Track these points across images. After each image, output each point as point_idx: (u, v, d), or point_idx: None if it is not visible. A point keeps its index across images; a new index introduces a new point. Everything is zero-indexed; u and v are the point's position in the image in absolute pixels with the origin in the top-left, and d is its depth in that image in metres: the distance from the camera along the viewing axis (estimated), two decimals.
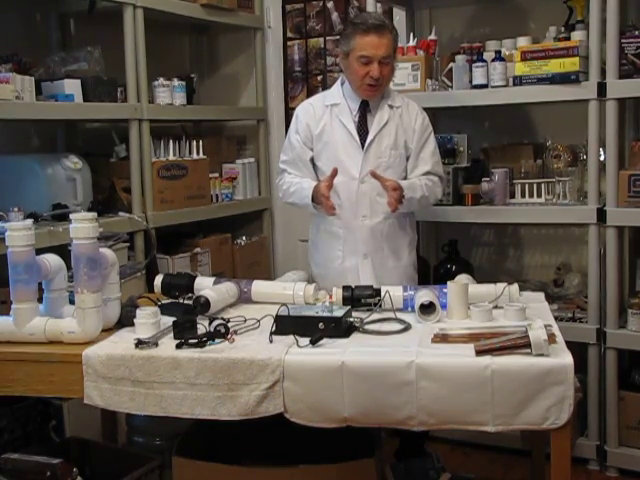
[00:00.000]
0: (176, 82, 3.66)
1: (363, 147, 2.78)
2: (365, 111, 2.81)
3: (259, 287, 2.52)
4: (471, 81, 3.26)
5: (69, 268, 2.23)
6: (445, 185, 3.04)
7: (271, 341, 2.07)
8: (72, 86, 3.13)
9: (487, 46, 3.38)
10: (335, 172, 2.65)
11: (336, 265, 2.84)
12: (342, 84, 2.87)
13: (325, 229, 2.87)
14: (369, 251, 2.80)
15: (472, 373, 1.86)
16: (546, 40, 3.29)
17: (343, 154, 2.79)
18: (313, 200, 2.73)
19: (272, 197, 4.40)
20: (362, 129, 2.80)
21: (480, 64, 3.23)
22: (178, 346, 2.04)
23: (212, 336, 2.07)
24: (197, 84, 4.03)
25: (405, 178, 2.83)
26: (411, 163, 2.83)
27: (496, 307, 2.27)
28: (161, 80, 3.60)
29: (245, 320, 2.23)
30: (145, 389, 2.01)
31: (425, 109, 2.93)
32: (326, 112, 2.83)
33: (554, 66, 3.04)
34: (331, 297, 2.37)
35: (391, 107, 2.81)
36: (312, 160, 2.85)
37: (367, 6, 3.46)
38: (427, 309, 2.21)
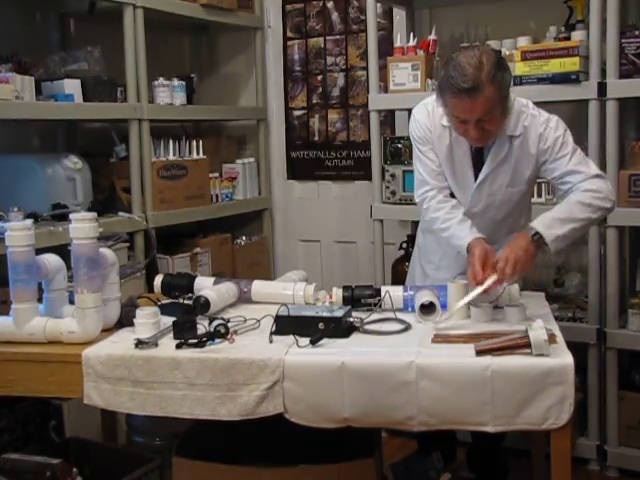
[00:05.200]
0: (176, 82, 3.67)
1: (475, 182, 2.48)
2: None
3: (259, 287, 2.52)
4: None
5: (69, 268, 2.23)
6: (608, 181, 2.47)
7: (271, 341, 2.07)
8: (72, 86, 3.13)
9: None
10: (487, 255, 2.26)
11: (430, 268, 2.68)
12: None
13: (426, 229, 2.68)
14: (459, 273, 2.54)
15: (472, 373, 1.86)
16: (546, 40, 3.29)
17: (455, 185, 2.51)
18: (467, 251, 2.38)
19: (272, 197, 4.41)
20: (477, 163, 2.47)
21: None
22: (178, 346, 2.04)
23: (212, 336, 2.07)
24: (197, 84, 4.03)
25: (530, 196, 2.59)
26: (557, 183, 2.44)
27: (496, 307, 2.27)
28: (161, 80, 3.60)
29: (245, 320, 2.23)
30: (145, 389, 2.01)
31: None
32: (445, 133, 2.46)
33: (554, 66, 3.04)
34: (331, 297, 2.37)
35: (511, 138, 2.41)
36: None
37: (367, 6, 3.45)
38: (427, 309, 2.21)
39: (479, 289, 2.20)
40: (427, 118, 2.51)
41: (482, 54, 2.24)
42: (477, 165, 2.47)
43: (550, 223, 2.28)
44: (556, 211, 2.34)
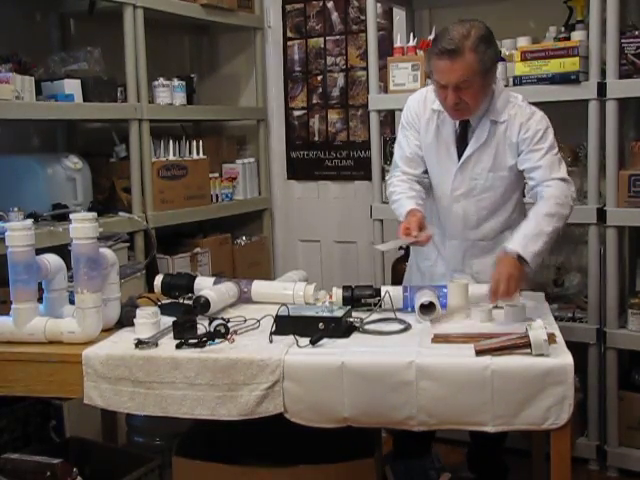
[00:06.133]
0: (176, 82, 3.67)
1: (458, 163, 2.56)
2: (466, 126, 2.53)
3: (259, 287, 2.52)
4: None
5: (69, 268, 2.23)
6: (572, 184, 2.51)
7: (271, 341, 2.07)
8: (72, 86, 3.13)
9: None
10: (421, 222, 2.38)
11: (427, 265, 2.72)
12: None
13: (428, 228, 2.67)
14: (457, 268, 2.63)
15: (472, 373, 1.86)
16: (546, 40, 3.29)
17: (440, 167, 2.59)
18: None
19: (272, 197, 4.41)
20: (461, 146, 2.55)
21: None
22: (178, 346, 2.04)
23: (212, 336, 2.07)
24: (197, 84, 4.03)
25: (522, 193, 2.62)
26: (526, 175, 2.50)
27: (496, 307, 2.27)
28: (161, 80, 3.61)
29: (245, 320, 2.23)
30: (145, 389, 2.01)
31: None
32: (433, 117, 2.56)
33: (554, 66, 3.04)
34: (331, 297, 2.37)
35: (494, 123, 2.49)
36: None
37: (367, 6, 3.45)
38: (427, 309, 2.21)
39: (408, 240, 2.34)
40: (418, 103, 2.61)
41: (472, 27, 2.38)
42: (461, 148, 2.54)
43: (524, 242, 2.32)
44: (526, 228, 2.37)
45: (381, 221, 3.51)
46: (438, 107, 2.54)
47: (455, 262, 2.65)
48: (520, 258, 2.29)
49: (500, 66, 3.16)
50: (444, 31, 2.38)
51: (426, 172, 2.65)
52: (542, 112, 2.52)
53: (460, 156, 2.54)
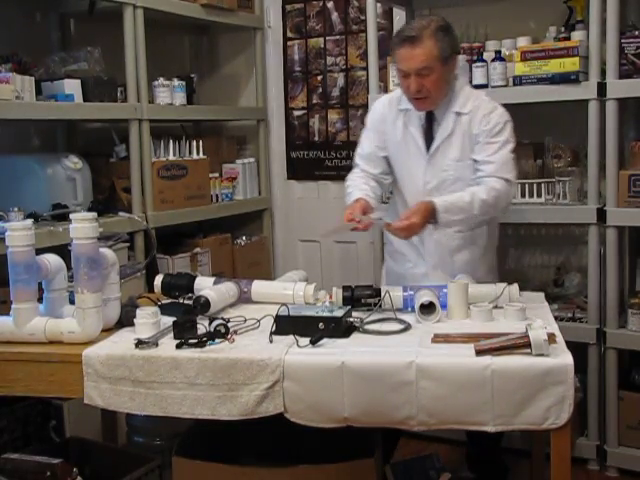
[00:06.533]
0: (176, 82, 3.67)
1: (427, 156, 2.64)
2: (431, 119, 2.62)
3: (259, 287, 2.52)
4: (471, 81, 3.26)
5: (69, 268, 2.23)
6: (514, 189, 2.69)
7: (271, 341, 2.07)
8: (72, 86, 3.13)
9: (487, 46, 3.37)
10: (365, 208, 2.50)
11: (408, 267, 2.76)
12: None
13: None
14: (436, 263, 2.68)
15: (472, 373, 1.86)
16: (546, 40, 3.29)
17: (412, 164, 2.66)
18: None
19: (272, 197, 4.41)
20: (429, 139, 2.63)
21: (480, 64, 3.23)
22: (178, 346, 2.04)
23: (212, 336, 2.07)
24: (197, 84, 4.03)
25: None
26: (476, 166, 2.59)
27: (496, 307, 2.27)
28: (161, 80, 3.60)
29: (245, 320, 2.23)
30: (145, 389, 2.01)
31: None
32: (400, 116, 2.67)
33: (554, 66, 3.04)
34: (331, 297, 2.38)
35: (458, 114, 2.58)
36: (386, 158, 2.73)
37: (367, 6, 3.45)
38: (427, 309, 2.21)
39: (350, 224, 2.42)
40: (384, 106, 2.73)
41: (432, 20, 2.54)
42: (429, 141, 2.63)
43: (450, 207, 2.46)
44: (459, 198, 2.49)
45: None
46: (404, 107, 2.65)
47: (437, 258, 2.68)
48: (435, 217, 2.44)
49: (500, 66, 3.18)
50: (406, 24, 2.60)
51: (384, 173, 2.74)
52: (504, 108, 2.62)
53: (428, 149, 2.63)
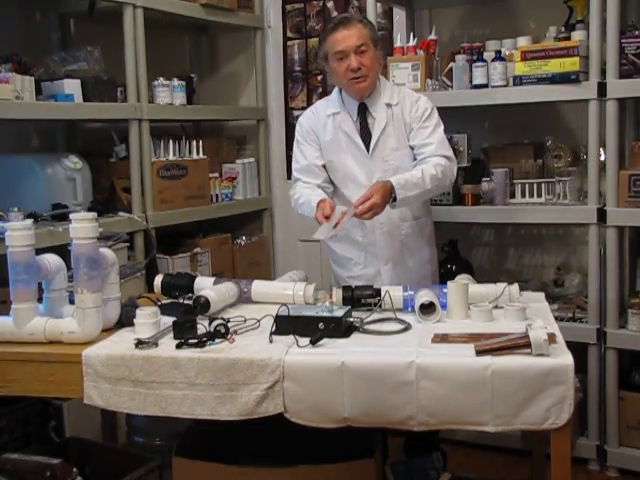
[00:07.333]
0: (176, 82, 3.67)
1: (368, 153, 2.73)
2: (365, 115, 2.75)
3: (259, 287, 2.52)
4: (471, 81, 3.26)
5: (69, 268, 2.23)
6: (455, 166, 2.78)
7: (271, 341, 2.07)
8: (72, 86, 3.13)
9: (487, 46, 3.38)
10: (332, 205, 2.55)
11: (357, 270, 2.82)
12: (340, 91, 2.80)
13: (346, 236, 2.79)
14: (389, 257, 2.78)
15: (472, 373, 1.86)
16: (546, 40, 3.29)
17: (351, 163, 2.75)
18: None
19: (272, 197, 4.41)
20: (365, 135, 2.75)
21: (480, 64, 3.23)
22: (178, 346, 2.04)
23: (212, 336, 2.07)
24: (197, 84, 4.03)
25: None
26: (415, 151, 2.73)
27: (496, 307, 2.27)
28: (161, 80, 3.60)
29: (245, 320, 2.23)
30: (145, 389, 2.01)
31: None
32: (329, 122, 2.78)
33: (554, 66, 3.04)
34: (331, 297, 2.37)
35: (389, 106, 2.74)
36: (325, 166, 2.80)
37: (367, 6, 3.45)
38: (427, 309, 2.21)
39: (331, 224, 2.47)
40: (309, 119, 2.83)
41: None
42: (366, 137, 2.74)
43: (404, 184, 2.56)
44: (412, 176, 2.60)
45: None
46: (332, 111, 2.78)
47: (389, 252, 2.77)
48: (392, 194, 2.53)
49: (500, 66, 3.18)
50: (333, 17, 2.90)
51: (326, 182, 2.79)
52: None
53: (367, 145, 2.73)
